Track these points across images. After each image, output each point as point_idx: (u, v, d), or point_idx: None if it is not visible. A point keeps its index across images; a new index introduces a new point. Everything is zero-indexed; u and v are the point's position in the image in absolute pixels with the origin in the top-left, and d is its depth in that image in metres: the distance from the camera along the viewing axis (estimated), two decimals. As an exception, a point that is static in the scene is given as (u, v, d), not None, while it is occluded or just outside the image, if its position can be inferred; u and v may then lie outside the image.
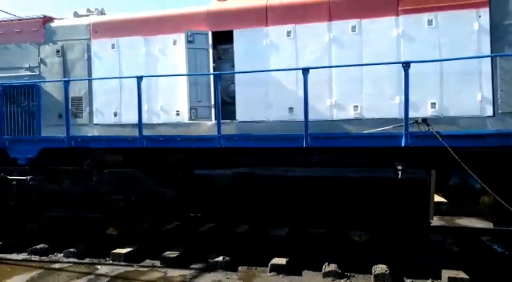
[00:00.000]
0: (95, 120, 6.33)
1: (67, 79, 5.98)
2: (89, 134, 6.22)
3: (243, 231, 6.81)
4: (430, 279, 4.67)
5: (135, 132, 5.94)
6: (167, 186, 5.90)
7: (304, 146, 5.03)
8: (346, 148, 5.09)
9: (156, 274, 5.10)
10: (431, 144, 4.76)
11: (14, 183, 6.20)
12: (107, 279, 4.93)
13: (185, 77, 5.75)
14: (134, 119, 6.00)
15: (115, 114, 6.24)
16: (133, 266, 5.41)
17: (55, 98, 6.46)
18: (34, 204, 6.27)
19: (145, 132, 5.80)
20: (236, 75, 5.69)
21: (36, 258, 5.81)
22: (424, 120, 4.83)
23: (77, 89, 6.33)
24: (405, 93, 4.73)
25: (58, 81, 6.28)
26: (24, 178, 6.11)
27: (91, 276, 5.02)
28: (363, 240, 6.23)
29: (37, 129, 6.40)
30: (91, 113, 6.34)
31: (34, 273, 5.15)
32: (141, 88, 5.55)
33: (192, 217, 7.23)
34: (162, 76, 5.74)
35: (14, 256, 5.89)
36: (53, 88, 6.47)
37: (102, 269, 5.29)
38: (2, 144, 6.14)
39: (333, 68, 5.39)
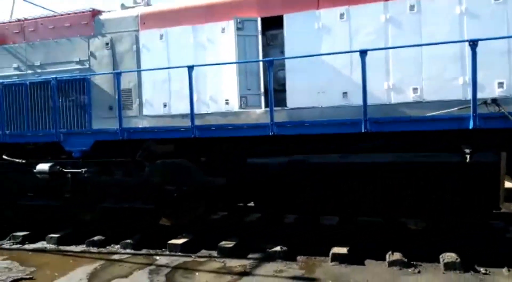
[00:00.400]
0: (144, 112, 6.36)
1: (118, 71, 6.01)
2: (140, 126, 6.27)
3: (291, 221, 6.73)
4: (506, 268, 4.41)
5: (184, 123, 5.95)
6: (217, 175, 5.87)
7: (363, 130, 4.84)
8: (407, 132, 4.87)
9: (215, 264, 5.09)
10: (502, 125, 4.48)
11: (69, 175, 6.34)
12: (168, 269, 4.96)
13: (234, 65, 5.67)
14: (183, 109, 6.02)
15: (165, 105, 6.25)
16: (190, 256, 5.42)
17: (105, 91, 6.55)
18: (89, 196, 6.39)
19: (195, 122, 5.79)
20: (287, 61, 5.55)
21: (95, 249, 5.94)
22: (494, 100, 4.55)
23: (126, 81, 6.37)
24: (472, 73, 4.45)
25: (108, 73, 6.34)
26: (79, 170, 6.22)
27: (152, 267, 5.06)
28: (420, 228, 6.02)
29: (88, 122, 6.51)
30: (140, 105, 6.38)
31: (96, 264, 5.24)
32: (192, 78, 5.51)
33: (239, 207, 7.23)
34: (212, 65, 5.66)
35: (73, 248, 6.04)
36: (103, 81, 6.55)
37: (161, 260, 5.33)
38: (57, 137, 6.28)
39: (390, 50, 5.16)
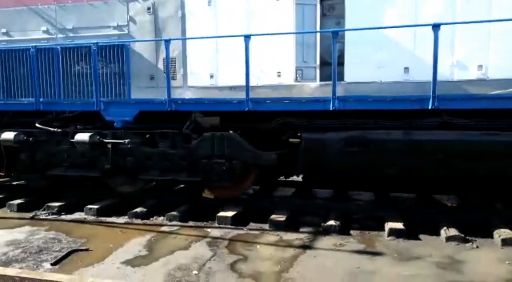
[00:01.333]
0: (189, 83, 6.13)
1: (167, 38, 5.72)
2: (185, 97, 6.05)
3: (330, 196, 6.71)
4: None
5: (232, 95, 5.79)
6: (268, 150, 5.75)
7: (430, 107, 4.76)
8: (475, 110, 4.81)
9: (271, 238, 5.03)
10: None
11: (110, 146, 6.11)
12: (225, 242, 4.88)
13: (290, 36, 5.47)
14: (231, 81, 5.84)
15: (211, 76, 6.02)
16: (242, 229, 5.35)
17: (146, 59, 6.26)
18: (130, 168, 6.20)
19: (240, 94, 5.63)
20: (346, 33, 5.36)
21: (138, 221, 5.79)
22: None
23: (170, 50, 6.05)
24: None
25: (156, 40, 6.02)
26: (122, 141, 6.00)
27: (208, 239, 4.97)
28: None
29: (127, 92, 6.23)
30: (185, 75, 6.13)
31: (148, 236, 5.12)
32: (249, 48, 5.29)
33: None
34: (270, 35, 5.42)
35: (115, 220, 5.89)
36: (144, 49, 6.26)
37: (213, 232, 5.24)
38: (97, 106, 6.01)
39: (456, 25, 5.03)
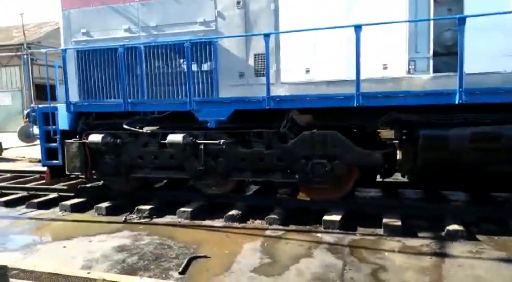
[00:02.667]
0: (282, 79, 5.80)
1: (267, 32, 5.42)
2: (279, 94, 5.74)
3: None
4: None
5: (330, 91, 5.45)
6: (374, 149, 5.39)
7: None
8: None
9: (393, 244, 4.66)
10: None
11: (202, 147, 5.87)
12: (346, 249, 4.53)
13: (401, 25, 5.07)
14: (328, 76, 5.50)
15: (307, 71, 5.69)
16: (354, 234, 5.00)
17: (235, 56, 5.97)
18: (222, 169, 5.95)
19: (345, 89, 5.29)
20: (468, 20, 4.91)
21: (236, 224, 5.53)
22: None
23: (260, 45, 5.77)
24: None
25: (254, 35, 5.70)
26: (216, 141, 5.75)
27: (325, 245, 4.65)
28: None
29: (215, 90, 5.98)
30: (278, 71, 5.81)
31: (258, 241, 4.83)
32: (360, 40, 4.93)
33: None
34: (383, 24, 5.01)
35: (210, 223, 5.65)
36: (232, 44, 5.97)
37: (324, 237, 4.92)
38: (190, 105, 5.78)
39: None
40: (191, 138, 5.85)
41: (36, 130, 6.92)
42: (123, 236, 5.21)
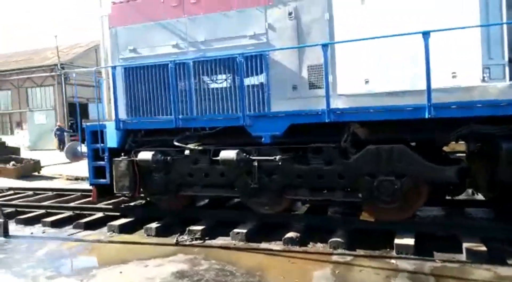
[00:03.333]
0: (339, 90, 5.50)
1: (325, 42, 5.17)
2: (339, 107, 5.44)
3: None
4: None
5: (391, 102, 5.10)
6: (445, 164, 4.99)
7: None
8: None
9: (483, 273, 4.14)
10: None
11: (256, 163, 5.62)
12: (431, 278, 4.08)
13: (474, 31, 4.71)
14: (390, 86, 5.16)
15: (366, 82, 5.38)
16: (434, 260, 4.54)
17: (287, 68, 5.73)
18: (276, 187, 5.67)
19: (408, 100, 4.95)
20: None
21: (296, 248, 5.18)
22: None
23: (315, 56, 5.53)
24: None
25: (311, 45, 5.41)
26: (272, 158, 5.48)
27: (405, 274, 4.19)
28: None
29: (267, 104, 5.72)
30: (334, 82, 5.53)
31: (327, 268, 4.44)
32: (429, 47, 4.60)
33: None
34: (457, 29, 4.67)
35: (267, 246, 5.32)
36: (284, 57, 5.73)
37: (401, 264, 4.48)
38: (244, 120, 5.56)
39: None
40: (244, 154, 5.60)
41: (83, 148, 6.85)
42: (179, 260, 4.95)
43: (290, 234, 5.37)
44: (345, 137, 5.29)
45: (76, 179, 12.92)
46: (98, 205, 7.25)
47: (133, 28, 6.63)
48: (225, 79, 5.81)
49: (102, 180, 6.56)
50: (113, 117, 6.56)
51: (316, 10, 5.55)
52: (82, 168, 15.31)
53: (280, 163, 5.44)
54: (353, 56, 5.40)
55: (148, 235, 6.03)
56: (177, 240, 5.66)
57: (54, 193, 9.37)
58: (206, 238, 5.73)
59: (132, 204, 7.52)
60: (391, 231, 5.17)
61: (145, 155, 6.07)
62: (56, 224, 6.79)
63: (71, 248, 5.73)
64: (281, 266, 4.60)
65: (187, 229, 5.84)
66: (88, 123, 6.67)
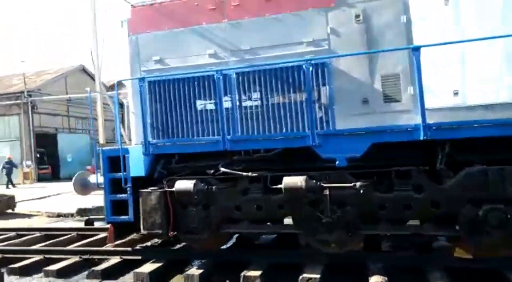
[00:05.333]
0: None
1: (415, 45, 4.40)
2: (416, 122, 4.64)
3: None
4: None
5: (488, 116, 4.37)
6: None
7: None
8: None
9: None
10: None
11: (327, 192, 4.63)
12: None
13: None
14: (486, 98, 4.44)
15: (455, 94, 4.63)
16: None
17: (356, 79, 4.89)
18: (349, 220, 4.69)
19: (505, 115, 4.25)
20: None
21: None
22: None
23: (391, 65, 4.77)
24: None
25: (402, 48, 4.61)
26: (350, 184, 4.53)
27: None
28: None
29: (331, 121, 4.83)
30: (415, 94, 4.75)
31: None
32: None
33: None
34: None
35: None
36: (352, 65, 4.90)
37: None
38: (313, 140, 4.61)
39: None
40: (314, 181, 4.62)
41: (100, 178, 5.59)
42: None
43: (376, 279, 4.35)
44: (439, 159, 4.44)
45: (58, 215, 11.30)
46: (111, 248, 5.91)
47: (159, 35, 5.62)
48: (280, 93, 4.87)
49: (123, 217, 5.31)
50: (135, 141, 5.43)
51: (389, 12, 4.81)
52: (61, 202, 13.65)
53: (361, 191, 4.48)
54: (438, 65, 4.67)
55: (188, 285, 4.82)
56: (234, 292, 4.49)
57: (43, 233, 7.84)
58: (274, 283, 4.61)
59: (149, 244, 6.27)
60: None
61: (185, 184, 4.93)
62: (63, 274, 5.40)
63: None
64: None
65: (242, 275, 4.68)
66: (105, 148, 5.45)
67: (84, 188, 5.76)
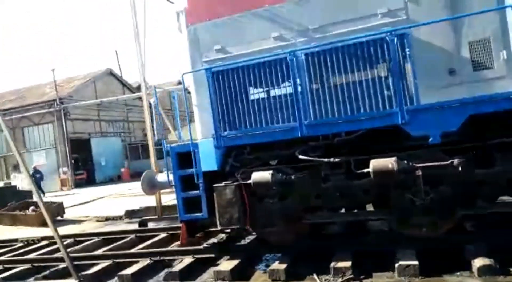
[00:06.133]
0: (518, 69, 4.31)
1: (518, 3, 3.98)
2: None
3: None
4: None
5: None
6: None
7: None
8: None
9: None
10: None
11: (419, 173, 4.28)
12: None
13: None
14: None
15: (554, 56, 4.19)
16: None
17: (440, 48, 4.51)
18: (449, 200, 4.33)
19: None
20: None
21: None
22: None
23: (480, 29, 4.35)
24: None
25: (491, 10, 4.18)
26: (447, 162, 4.17)
27: None
28: None
29: (415, 95, 4.43)
30: (509, 60, 4.32)
31: None
32: None
33: None
34: None
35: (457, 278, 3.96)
36: (434, 34, 4.51)
37: None
38: (402, 117, 4.26)
39: None
40: (406, 162, 4.27)
41: (163, 177, 5.42)
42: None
43: (481, 261, 3.98)
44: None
45: (107, 219, 11.30)
46: (181, 248, 5.73)
47: (218, 23, 5.35)
48: (366, 69, 4.52)
49: (197, 214, 5.11)
50: (200, 135, 5.20)
51: (473, -29, 4.39)
52: (105, 206, 13.72)
53: (460, 169, 4.11)
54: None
55: (274, 280, 4.57)
56: (326, 285, 4.22)
57: (101, 237, 7.79)
58: (362, 276, 4.30)
59: (216, 241, 6.09)
60: None
61: (262, 176, 4.67)
62: (138, 277, 5.25)
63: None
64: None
65: (332, 267, 4.40)
66: (173, 145, 5.25)
67: (152, 187, 5.59)
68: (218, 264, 5.38)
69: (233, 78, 4.91)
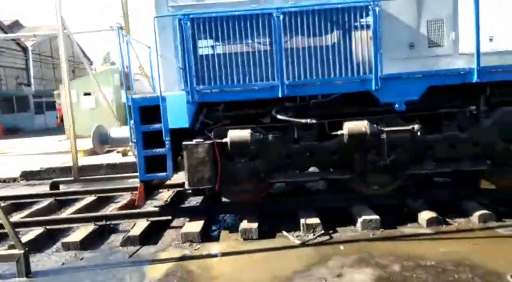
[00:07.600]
0: (461, 49, 4.95)
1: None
2: (457, 67, 4.93)
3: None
4: None
5: (516, 62, 4.87)
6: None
7: None
8: None
9: None
10: None
11: (384, 136, 4.73)
12: None
13: None
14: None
15: (490, 40, 4.98)
16: None
17: (402, 23, 4.93)
18: (404, 161, 4.91)
19: None
20: None
21: (442, 227, 4.59)
22: None
23: (437, 10, 4.89)
24: None
25: None
26: (408, 127, 4.68)
27: None
28: None
29: (379, 66, 4.85)
30: (456, 40, 4.98)
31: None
32: None
33: None
34: None
35: (414, 230, 4.60)
36: (399, 10, 4.91)
37: None
38: (376, 84, 4.58)
39: None
40: (375, 125, 4.67)
41: (117, 132, 4.83)
42: (349, 264, 3.85)
43: (427, 214, 4.71)
44: (482, 101, 4.84)
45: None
46: (133, 211, 5.29)
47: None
48: (345, 35, 4.68)
49: (161, 174, 4.74)
50: (164, 88, 4.75)
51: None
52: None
53: (418, 134, 4.69)
54: (479, 9, 4.92)
55: (245, 239, 4.62)
56: (303, 241, 4.43)
57: (8, 202, 6.64)
58: (330, 231, 4.66)
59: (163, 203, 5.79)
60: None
61: (240, 134, 4.56)
62: (87, 244, 4.70)
63: (170, 273, 3.95)
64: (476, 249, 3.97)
65: (303, 224, 4.64)
66: (135, 96, 4.66)
67: (102, 143, 4.94)
68: (173, 227, 5.20)
69: (215, 29, 4.54)
